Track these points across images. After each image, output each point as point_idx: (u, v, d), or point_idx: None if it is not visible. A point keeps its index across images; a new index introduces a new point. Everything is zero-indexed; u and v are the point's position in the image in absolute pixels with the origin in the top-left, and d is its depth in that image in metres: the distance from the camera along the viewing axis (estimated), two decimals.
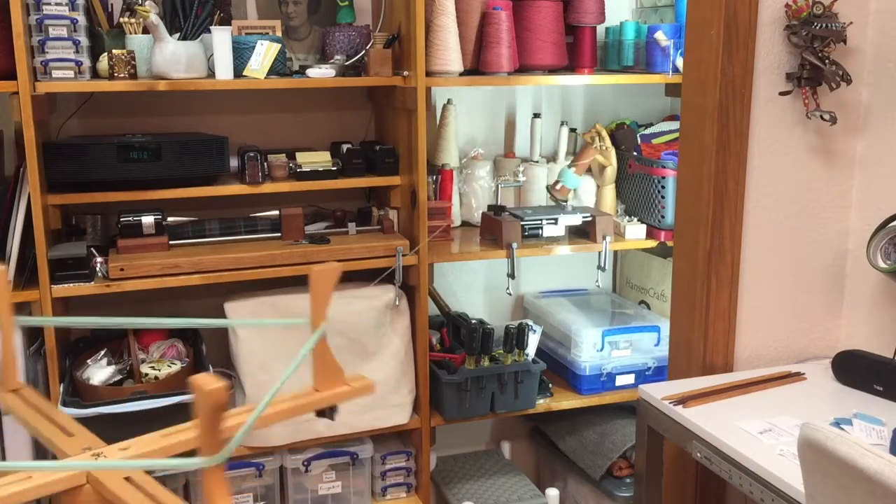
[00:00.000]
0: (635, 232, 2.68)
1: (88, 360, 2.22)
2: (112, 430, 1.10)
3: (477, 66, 2.50)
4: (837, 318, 2.25)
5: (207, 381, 0.82)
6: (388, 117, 2.57)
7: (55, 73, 2.07)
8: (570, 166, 2.72)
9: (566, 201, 2.70)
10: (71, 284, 2.11)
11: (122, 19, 2.22)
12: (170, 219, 2.32)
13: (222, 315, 2.30)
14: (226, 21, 2.35)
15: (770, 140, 2.08)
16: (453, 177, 2.69)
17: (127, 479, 0.99)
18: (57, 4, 2.05)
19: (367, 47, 2.40)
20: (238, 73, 2.22)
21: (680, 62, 2.49)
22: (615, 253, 3.06)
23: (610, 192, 2.78)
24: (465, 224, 2.79)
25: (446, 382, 2.44)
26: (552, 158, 2.86)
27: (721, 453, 1.70)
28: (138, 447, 1.05)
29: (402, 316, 2.45)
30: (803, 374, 2.04)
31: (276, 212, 2.41)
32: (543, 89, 2.89)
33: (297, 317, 2.32)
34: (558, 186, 2.71)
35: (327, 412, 1.18)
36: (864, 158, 2.15)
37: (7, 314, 1.12)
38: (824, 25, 1.97)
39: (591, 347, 2.64)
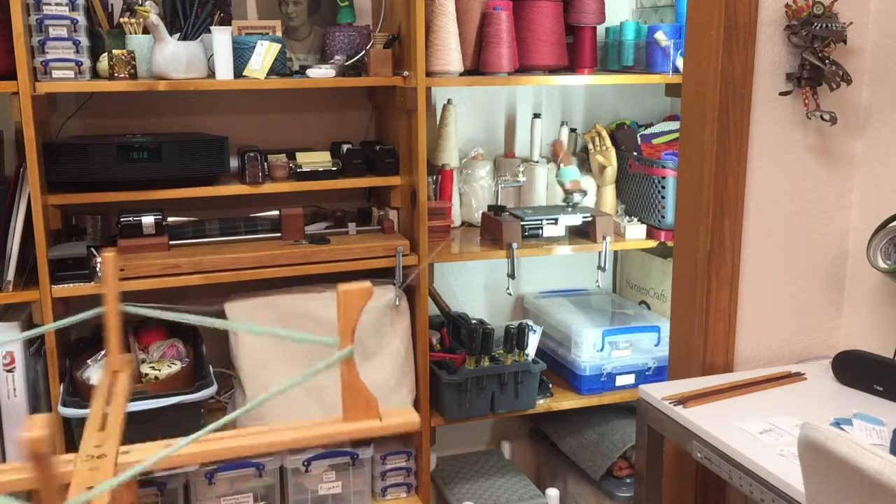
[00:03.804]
0: (635, 232, 2.68)
1: (88, 360, 2.22)
2: None
3: (477, 66, 2.50)
4: (837, 318, 2.25)
5: (357, 285, 0.95)
6: (388, 117, 2.57)
7: (55, 73, 2.07)
8: (558, 168, 2.69)
9: (581, 194, 2.66)
10: (71, 284, 2.11)
11: (122, 19, 2.22)
12: (170, 219, 2.32)
13: (222, 315, 2.30)
14: (226, 21, 2.35)
15: (770, 140, 2.08)
16: (453, 177, 2.69)
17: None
18: (57, 4, 2.05)
19: (368, 47, 2.40)
20: (238, 73, 2.22)
21: (680, 62, 2.49)
22: (615, 253, 3.06)
23: (610, 192, 2.78)
24: (465, 224, 2.79)
25: (446, 382, 2.44)
26: (552, 158, 2.86)
27: (721, 453, 1.70)
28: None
29: (402, 316, 2.44)
30: (803, 374, 2.04)
31: (276, 212, 2.41)
32: (543, 89, 2.89)
33: (296, 317, 2.33)
34: (568, 185, 2.67)
35: None
36: (864, 158, 2.15)
37: None
38: (824, 25, 1.97)
39: (591, 347, 2.64)
